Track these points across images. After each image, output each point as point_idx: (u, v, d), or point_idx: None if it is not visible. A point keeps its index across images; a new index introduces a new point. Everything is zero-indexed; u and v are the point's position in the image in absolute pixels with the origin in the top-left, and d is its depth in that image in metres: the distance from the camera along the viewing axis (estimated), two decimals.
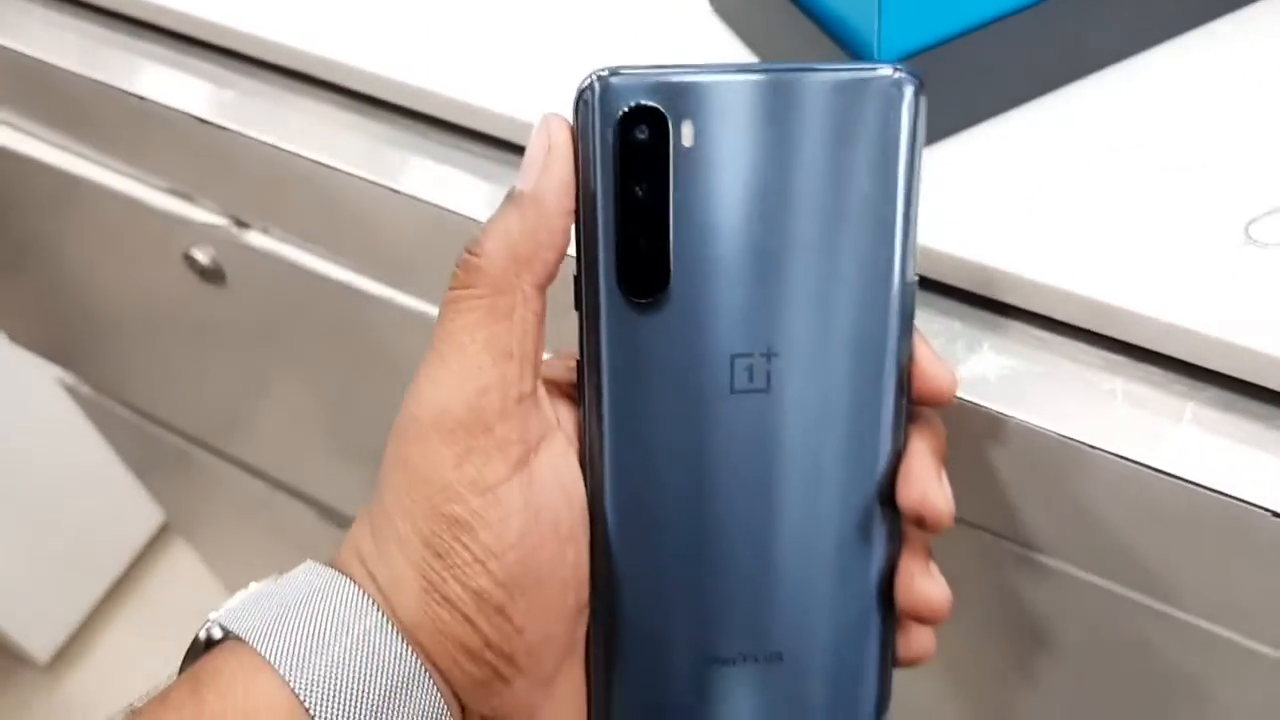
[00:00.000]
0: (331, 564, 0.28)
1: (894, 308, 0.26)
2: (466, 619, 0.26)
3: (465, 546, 0.26)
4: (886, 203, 0.26)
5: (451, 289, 0.26)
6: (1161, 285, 0.30)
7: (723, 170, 0.25)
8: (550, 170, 0.26)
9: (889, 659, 0.29)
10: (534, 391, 0.27)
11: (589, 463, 0.27)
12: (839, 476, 0.27)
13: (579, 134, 0.25)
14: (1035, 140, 0.34)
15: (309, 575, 0.27)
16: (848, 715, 0.29)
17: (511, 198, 0.26)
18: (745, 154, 0.25)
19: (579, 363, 0.27)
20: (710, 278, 0.26)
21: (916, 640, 0.29)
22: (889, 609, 0.28)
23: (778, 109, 0.25)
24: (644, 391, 0.27)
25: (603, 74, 0.25)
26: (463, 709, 0.27)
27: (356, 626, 0.26)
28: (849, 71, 0.25)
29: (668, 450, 0.27)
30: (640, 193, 0.25)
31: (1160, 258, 0.30)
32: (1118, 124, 0.34)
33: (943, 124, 0.34)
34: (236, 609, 0.27)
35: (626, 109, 0.25)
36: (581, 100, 0.25)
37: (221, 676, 0.25)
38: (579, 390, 0.27)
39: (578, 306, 0.27)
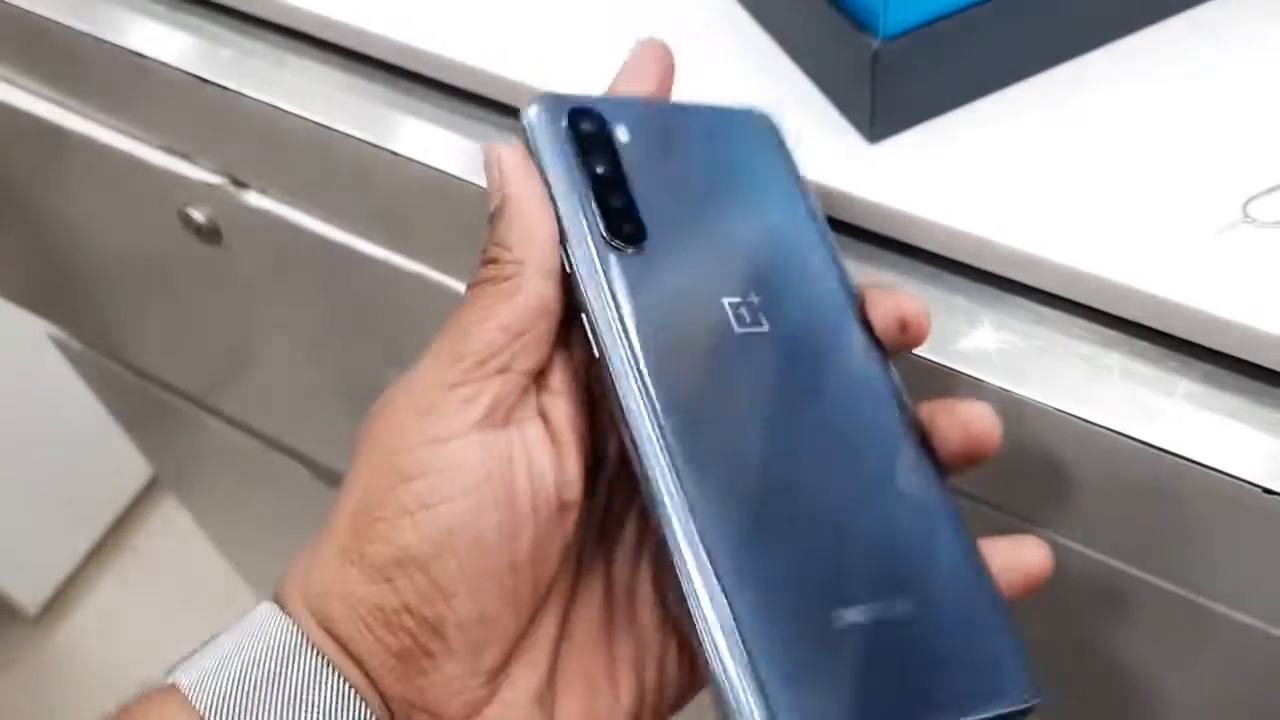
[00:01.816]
0: (281, 585, 0.27)
1: (826, 252, 0.30)
2: (384, 578, 0.25)
3: (397, 498, 0.25)
4: (791, 188, 0.31)
5: (468, 288, 0.27)
6: (1159, 262, 0.30)
7: (657, 163, 0.29)
8: (509, 175, 0.28)
9: (994, 587, 0.27)
10: (518, 371, 0.26)
11: (620, 411, 0.26)
12: (868, 402, 0.28)
13: (535, 137, 0.29)
14: (1038, 115, 0.34)
15: (247, 621, 0.27)
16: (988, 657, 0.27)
17: (492, 214, 0.28)
18: (667, 160, 0.30)
19: (586, 318, 0.27)
20: (680, 233, 0.29)
21: (1028, 553, 0.27)
22: (972, 542, 0.27)
23: (678, 131, 0.30)
24: (658, 329, 0.27)
25: (543, 94, 0.29)
26: (384, 697, 0.25)
27: (263, 648, 0.25)
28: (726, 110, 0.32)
29: (700, 390, 0.27)
30: (601, 169, 0.28)
31: (1159, 235, 0.31)
32: (1121, 100, 0.34)
33: (947, 98, 0.34)
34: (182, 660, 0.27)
35: (574, 108, 0.29)
36: (531, 111, 0.29)
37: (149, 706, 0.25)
38: (592, 340, 0.27)
39: (570, 272, 0.27)
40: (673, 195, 0.29)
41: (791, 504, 0.26)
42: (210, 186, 0.47)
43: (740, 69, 0.36)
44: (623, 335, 0.27)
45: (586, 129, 0.29)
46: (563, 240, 0.28)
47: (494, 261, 0.27)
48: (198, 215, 0.49)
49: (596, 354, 0.27)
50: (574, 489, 0.27)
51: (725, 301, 0.28)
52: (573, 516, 0.27)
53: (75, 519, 1.49)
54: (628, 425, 0.26)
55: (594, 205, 0.28)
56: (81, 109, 0.49)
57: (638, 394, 0.26)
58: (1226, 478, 0.28)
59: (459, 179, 0.38)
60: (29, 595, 1.45)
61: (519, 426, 0.26)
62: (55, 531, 1.47)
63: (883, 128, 0.34)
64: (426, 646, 0.25)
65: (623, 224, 0.28)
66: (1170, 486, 0.30)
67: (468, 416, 0.26)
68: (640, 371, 0.26)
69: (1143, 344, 0.31)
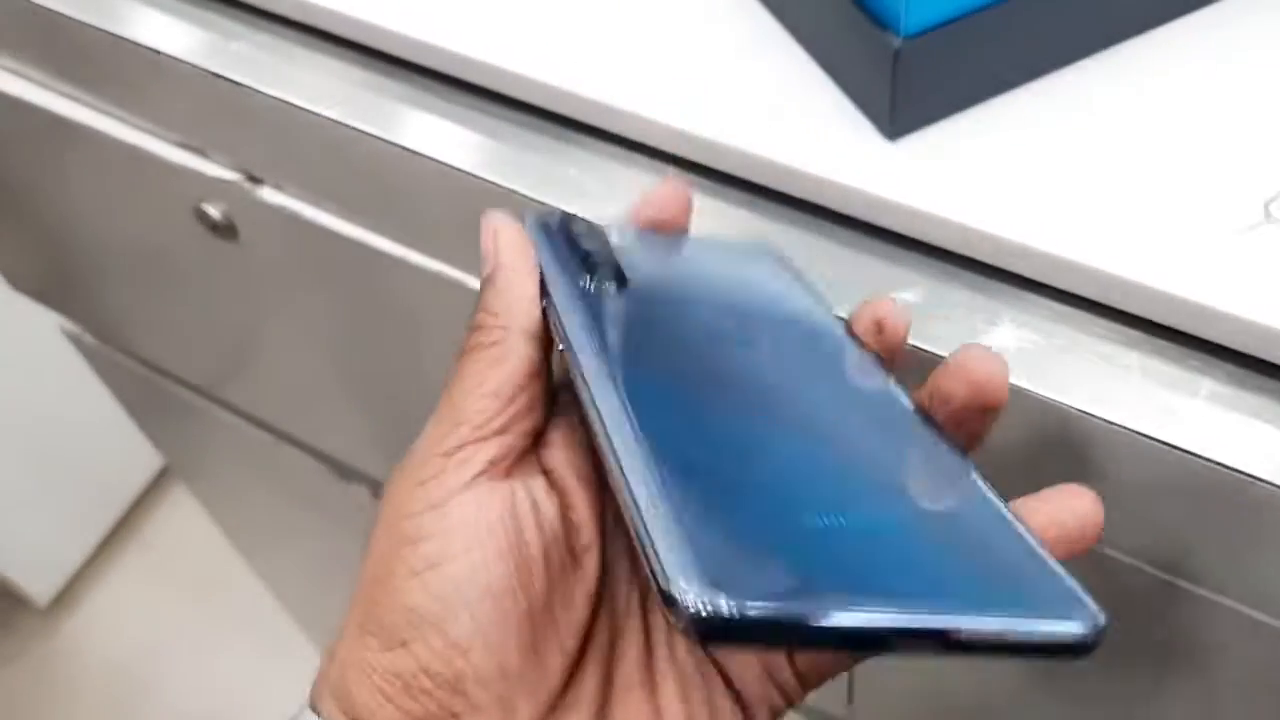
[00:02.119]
0: (314, 684, 0.27)
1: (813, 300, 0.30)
2: (399, 642, 0.25)
3: (405, 561, 0.25)
4: (792, 282, 0.31)
5: (455, 356, 0.27)
6: (1180, 261, 0.30)
7: (646, 253, 0.30)
8: (503, 245, 0.28)
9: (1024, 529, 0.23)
10: (515, 433, 0.26)
11: (583, 393, 0.25)
12: (861, 393, 0.27)
13: (527, 229, 0.30)
14: (1059, 113, 0.34)
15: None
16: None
17: (483, 281, 0.28)
18: (657, 253, 0.30)
19: (564, 351, 0.26)
20: (662, 284, 0.29)
21: (1072, 502, 0.25)
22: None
23: (674, 244, 0.31)
24: (629, 330, 0.27)
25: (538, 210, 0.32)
26: None
27: None
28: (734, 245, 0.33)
29: (669, 372, 0.26)
30: (590, 247, 0.29)
31: (1180, 234, 0.30)
32: (1142, 98, 0.34)
33: (967, 95, 0.34)
34: None
35: (567, 214, 0.31)
36: (526, 219, 0.30)
37: None
38: (571, 370, 0.26)
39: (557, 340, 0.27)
40: (660, 272, 0.29)
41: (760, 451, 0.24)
42: (225, 182, 0.47)
43: (758, 65, 0.36)
44: (588, 327, 0.26)
45: (579, 228, 0.30)
46: (543, 287, 0.28)
47: (480, 328, 0.27)
48: (213, 211, 0.49)
49: (561, 348, 0.26)
50: (586, 531, 0.27)
51: (704, 320, 0.28)
52: (591, 559, 0.27)
53: (86, 511, 1.50)
54: (593, 408, 0.24)
55: (578, 259, 0.28)
56: (96, 104, 0.49)
57: (597, 373, 0.25)
58: (1250, 479, 0.28)
59: (473, 175, 0.38)
60: (39, 587, 1.46)
61: (521, 479, 0.26)
62: (66, 523, 1.47)
63: (902, 125, 0.33)
64: (449, 707, 0.24)
65: (603, 270, 0.28)
66: (1193, 488, 0.29)
67: (465, 474, 0.26)
68: (605, 357, 0.25)
69: (1164, 344, 0.31)
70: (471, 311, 0.28)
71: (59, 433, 1.39)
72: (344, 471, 0.71)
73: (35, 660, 1.46)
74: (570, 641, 0.26)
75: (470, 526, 0.25)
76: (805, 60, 0.36)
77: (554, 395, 0.28)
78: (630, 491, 0.21)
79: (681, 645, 0.28)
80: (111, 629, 1.48)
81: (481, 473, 0.26)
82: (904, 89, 0.32)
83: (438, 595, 0.24)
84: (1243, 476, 0.28)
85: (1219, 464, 0.29)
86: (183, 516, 1.52)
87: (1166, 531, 0.32)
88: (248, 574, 1.17)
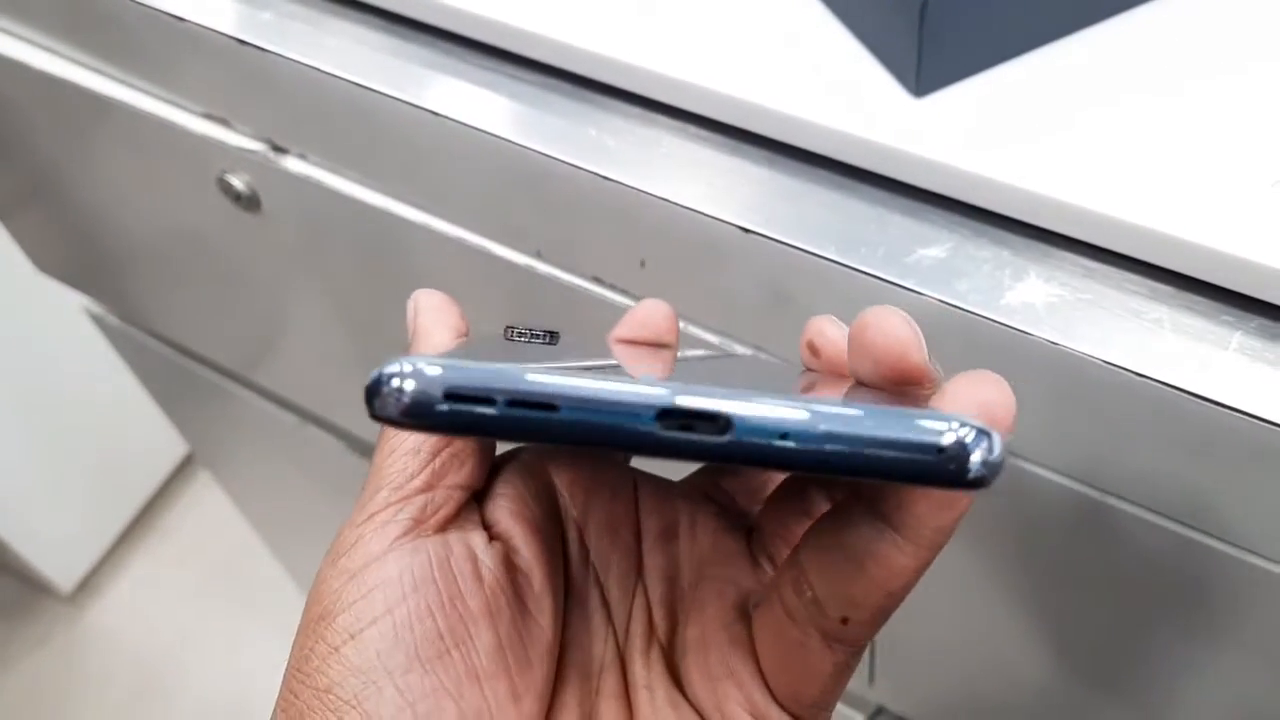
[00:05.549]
0: None
1: None
2: None
3: (323, 639, 0.22)
4: None
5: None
6: (1210, 213, 0.30)
7: None
8: (421, 312, 0.27)
9: None
10: (445, 487, 0.25)
11: None
12: None
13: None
14: (1088, 67, 0.33)
15: None
16: None
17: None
18: None
19: None
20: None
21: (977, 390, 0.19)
22: None
23: None
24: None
25: None
26: None
27: None
28: None
29: None
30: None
31: (1209, 185, 0.30)
32: (1171, 50, 0.33)
33: (995, 51, 0.34)
34: None
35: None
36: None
37: None
38: None
39: None
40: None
41: None
42: (249, 152, 0.47)
43: (780, 22, 0.36)
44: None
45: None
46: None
47: None
48: (237, 183, 0.49)
49: None
50: (537, 578, 0.25)
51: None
52: (546, 612, 0.24)
53: (109, 498, 1.51)
54: None
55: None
56: (119, 75, 0.50)
57: None
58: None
59: (500, 138, 0.38)
60: (63, 574, 1.47)
61: (457, 532, 0.24)
62: (90, 511, 1.48)
63: (929, 82, 0.33)
64: None
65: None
66: (1223, 440, 0.29)
67: (386, 536, 0.23)
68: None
69: (1195, 297, 0.31)
70: None
71: (83, 420, 1.40)
72: (365, 450, 0.71)
73: (59, 647, 1.47)
74: (531, 706, 0.23)
75: (392, 584, 0.22)
76: (828, 16, 0.36)
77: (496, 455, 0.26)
78: None
79: (669, 703, 0.25)
80: (135, 616, 1.49)
81: (405, 533, 0.23)
82: (930, 44, 0.32)
83: (356, 668, 0.21)
84: (1274, 428, 0.28)
85: (1251, 415, 0.28)
86: (206, 504, 1.53)
87: (1196, 485, 0.31)
88: (270, 561, 1.17)
